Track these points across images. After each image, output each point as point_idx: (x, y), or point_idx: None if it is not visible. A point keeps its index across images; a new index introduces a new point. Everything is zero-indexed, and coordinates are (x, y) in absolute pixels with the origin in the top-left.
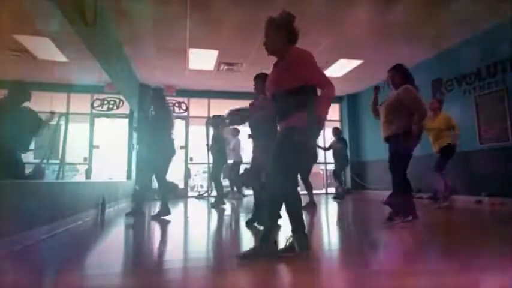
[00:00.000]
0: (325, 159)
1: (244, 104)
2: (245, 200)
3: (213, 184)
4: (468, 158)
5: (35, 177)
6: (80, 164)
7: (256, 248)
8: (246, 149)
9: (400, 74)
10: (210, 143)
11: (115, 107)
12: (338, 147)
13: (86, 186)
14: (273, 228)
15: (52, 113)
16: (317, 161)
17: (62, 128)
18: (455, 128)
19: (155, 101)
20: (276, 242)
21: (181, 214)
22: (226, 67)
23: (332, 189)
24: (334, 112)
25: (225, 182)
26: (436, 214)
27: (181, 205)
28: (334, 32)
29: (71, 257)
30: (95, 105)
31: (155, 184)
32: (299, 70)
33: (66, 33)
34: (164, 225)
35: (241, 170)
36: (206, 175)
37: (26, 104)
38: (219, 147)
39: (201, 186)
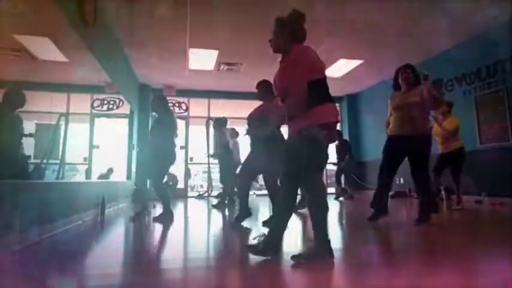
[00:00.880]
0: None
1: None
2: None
3: (211, 185)
4: (468, 158)
5: (35, 177)
6: (80, 164)
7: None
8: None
9: (415, 74)
10: (212, 146)
11: (115, 107)
12: (342, 147)
13: (86, 186)
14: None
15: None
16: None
17: (62, 128)
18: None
19: (157, 106)
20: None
21: (181, 214)
22: (226, 67)
23: (332, 189)
24: None
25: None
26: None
27: (181, 205)
28: (334, 32)
29: (71, 257)
30: (95, 105)
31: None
32: (301, 67)
33: (67, 33)
34: (164, 225)
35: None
36: (206, 175)
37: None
38: (225, 150)
39: (201, 186)
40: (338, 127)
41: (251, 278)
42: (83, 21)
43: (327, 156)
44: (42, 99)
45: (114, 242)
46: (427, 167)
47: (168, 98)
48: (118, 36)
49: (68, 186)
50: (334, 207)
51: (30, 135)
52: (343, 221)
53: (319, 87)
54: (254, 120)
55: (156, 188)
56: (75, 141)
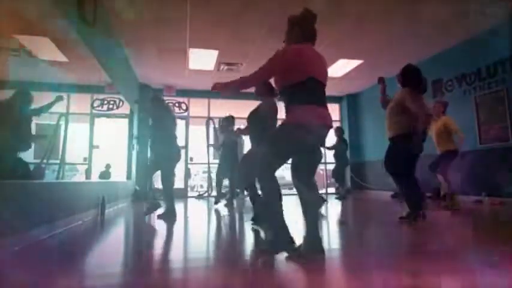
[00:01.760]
0: (325, 159)
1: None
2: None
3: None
4: (468, 158)
5: (35, 177)
6: (80, 164)
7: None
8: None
9: (400, 75)
10: (219, 146)
11: (115, 107)
12: (340, 147)
13: (86, 186)
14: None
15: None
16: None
17: (62, 128)
18: (459, 132)
19: (154, 108)
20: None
21: (181, 214)
22: (226, 67)
23: (332, 189)
24: (334, 112)
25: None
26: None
27: (181, 205)
28: (334, 32)
29: (71, 257)
30: (95, 105)
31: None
32: (284, 67)
33: (67, 33)
34: (166, 224)
35: None
36: (206, 175)
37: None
38: (231, 150)
39: (201, 186)
40: (340, 126)
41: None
42: (83, 21)
43: (319, 158)
44: (42, 99)
45: (114, 242)
46: (398, 168)
47: (168, 98)
48: (118, 36)
49: (68, 186)
50: (337, 206)
51: (44, 136)
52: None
53: (297, 87)
54: (253, 119)
55: (165, 184)
56: (75, 141)
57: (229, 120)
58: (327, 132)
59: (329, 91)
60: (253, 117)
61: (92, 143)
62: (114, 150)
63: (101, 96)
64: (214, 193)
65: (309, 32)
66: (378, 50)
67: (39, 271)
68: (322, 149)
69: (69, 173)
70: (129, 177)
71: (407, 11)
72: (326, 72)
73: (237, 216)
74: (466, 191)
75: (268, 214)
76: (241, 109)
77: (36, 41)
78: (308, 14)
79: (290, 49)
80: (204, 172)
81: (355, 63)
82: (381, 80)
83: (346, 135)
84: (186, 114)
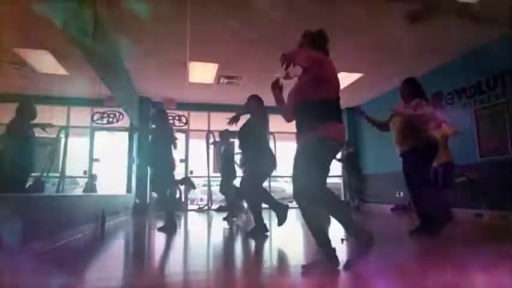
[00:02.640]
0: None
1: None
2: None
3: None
4: (468, 171)
5: (35, 190)
6: (80, 177)
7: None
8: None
9: (410, 87)
10: (220, 158)
11: (115, 120)
12: (355, 160)
13: (86, 200)
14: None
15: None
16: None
17: (62, 141)
18: (455, 128)
19: (156, 120)
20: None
21: (182, 227)
22: (226, 80)
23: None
24: None
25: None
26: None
27: (182, 218)
28: (334, 46)
29: (70, 270)
30: (94, 118)
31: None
32: (320, 81)
33: (66, 47)
34: (167, 238)
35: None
36: (206, 188)
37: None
38: (230, 162)
39: (201, 199)
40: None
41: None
42: (83, 35)
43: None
44: (42, 113)
45: (113, 255)
46: (419, 182)
47: (168, 111)
48: (118, 49)
49: (68, 199)
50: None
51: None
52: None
53: (332, 104)
54: (243, 133)
55: (161, 198)
56: (75, 154)
57: (226, 134)
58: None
59: None
60: (244, 132)
61: (92, 156)
62: (114, 163)
63: (101, 110)
64: (214, 206)
65: (325, 50)
66: (378, 64)
67: (39, 285)
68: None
69: (69, 186)
70: (129, 190)
71: (407, 24)
72: None
73: (239, 229)
74: (465, 205)
75: (347, 223)
76: (242, 122)
77: (36, 54)
78: (324, 33)
79: (329, 60)
80: (204, 185)
81: (355, 76)
82: (358, 112)
83: (344, 148)
84: (186, 127)
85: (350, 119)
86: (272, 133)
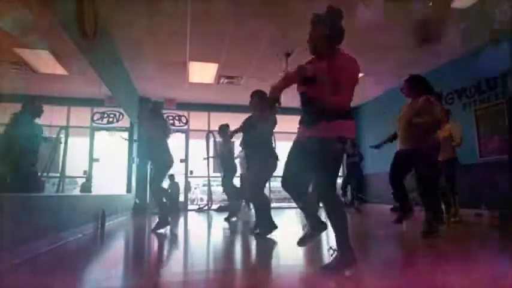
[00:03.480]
0: None
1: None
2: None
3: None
4: (468, 171)
5: (34, 190)
6: (79, 177)
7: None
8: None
9: (414, 85)
10: (219, 154)
11: (115, 120)
12: (358, 160)
13: (86, 200)
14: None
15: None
16: None
17: (62, 141)
18: (457, 137)
19: (152, 113)
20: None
21: (181, 227)
22: (226, 80)
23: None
24: None
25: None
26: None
27: (181, 219)
28: None
29: (70, 270)
30: (94, 118)
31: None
32: (345, 79)
33: (67, 47)
34: (165, 238)
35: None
36: (206, 188)
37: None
38: (228, 158)
39: (201, 199)
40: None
41: None
42: (83, 35)
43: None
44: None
45: (113, 255)
46: (426, 181)
47: (168, 111)
48: (118, 50)
49: (68, 199)
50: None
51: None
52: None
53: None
54: (247, 126)
55: (154, 192)
56: (75, 154)
57: (224, 127)
58: None
59: None
60: (247, 124)
61: (91, 156)
62: (114, 163)
63: (101, 110)
64: (214, 206)
65: (340, 33)
66: (378, 64)
67: (40, 285)
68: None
69: (69, 186)
70: (129, 190)
71: (408, 24)
72: None
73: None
74: (465, 205)
75: (338, 228)
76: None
77: (37, 54)
78: (337, 12)
79: (354, 60)
80: (204, 185)
81: None
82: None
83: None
84: (186, 127)
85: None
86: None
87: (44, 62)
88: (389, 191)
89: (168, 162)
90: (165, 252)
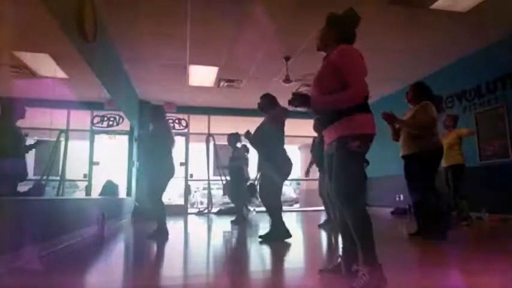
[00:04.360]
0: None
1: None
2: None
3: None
4: (468, 174)
5: (34, 194)
6: (80, 180)
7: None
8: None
9: (416, 92)
10: (228, 161)
11: (115, 124)
12: None
13: (86, 203)
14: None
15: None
16: None
17: (62, 144)
18: (468, 133)
19: (154, 118)
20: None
21: (181, 231)
22: (226, 83)
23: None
24: None
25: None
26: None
27: (181, 222)
28: None
29: (71, 274)
30: (95, 121)
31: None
32: (340, 67)
33: (66, 50)
34: (165, 243)
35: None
36: (206, 191)
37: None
38: (239, 166)
39: (201, 202)
40: None
41: None
42: (83, 38)
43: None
44: (42, 116)
45: (114, 258)
46: (425, 185)
47: (167, 114)
48: (118, 53)
49: (68, 202)
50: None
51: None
52: None
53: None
54: (259, 134)
55: (152, 203)
56: (75, 157)
57: (235, 136)
58: None
59: None
60: (259, 131)
61: (92, 159)
62: (114, 166)
63: (101, 113)
64: (213, 210)
65: (351, 36)
66: (379, 67)
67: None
68: None
69: (69, 190)
70: (129, 194)
71: (407, 28)
72: None
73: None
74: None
75: (364, 240)
76: (242, 125)
77: (36, 57)
78: (354, 16)
79: (354, 49)
80: (204, 189)
81: None
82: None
83: None
84: (186, 131)
85: None
86: None
87: (44, 64)
88: (389, 194)
89: (171, 175)
90: (166, 256)
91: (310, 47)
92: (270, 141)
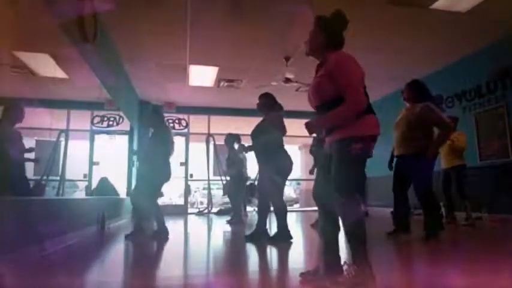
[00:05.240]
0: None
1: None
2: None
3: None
4: (468, 174)
5: (35, 193)
6: (80, 180)
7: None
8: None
9: (414, 90)
10: (226, 163)
11: (115, 124)
12: None
13: (86, 203)
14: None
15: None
16: None
17: (62, 144)
18: (460, 143)
19: (153, 119)
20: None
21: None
22: (226, 83)
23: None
24: None
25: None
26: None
27: (181, 222)
28: None
29: (71, 273)
30: (95, 121)
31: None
32: (336, 78)
33: (66, 50)
34: (165, 242)
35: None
36: (206, 191)
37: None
38: (237, 167)
39: (201, 203)
40: None
41: None
42: (83, 38)
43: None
44: (42, 116)
45: (114, 259)
46: (420, 186)
47: (167, 114)
48: (118, 53)
49: (68, 202)
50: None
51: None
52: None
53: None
54: (257, 133)
55: (150, 205)
56: (75, 157)
57: (234, 138)
58: None
59: None
60: (257, 133)
61: (91, 159)
62: (114, 166)
63: (101, 113)
64: (213, 210)
65: (340, 39)
66: (378, 66)
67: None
68: None
69: (69, 190)
70: (128, 193)
71: (407, 28)
72: None
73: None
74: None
75: (355, 239)
76: (242, 125)
77: (36, 57)
78: (342, 18)
79: (348, 55)
80: (204, 188)
81: None
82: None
83: None
84: (186, 131)
85: None
86: None
87: (44, 65)
88: (388, 194)
89: (167, 178)
90: (165, 256)
91: None
92: (269, 142)
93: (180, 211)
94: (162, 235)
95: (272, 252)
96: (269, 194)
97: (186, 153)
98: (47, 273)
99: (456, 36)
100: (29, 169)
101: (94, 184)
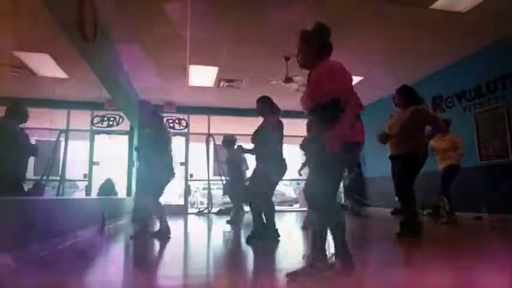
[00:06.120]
0: None
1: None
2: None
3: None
4: (468, 174)
5: (35, 194)
6: (80, 180)
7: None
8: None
9: (405, 95)
10: (225, 164)
11: (115, 124)
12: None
13: (86, 203)
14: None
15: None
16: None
17: (62, 144)
18: (460, 148)
19: (149, 121)
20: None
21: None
22: (226, 83)
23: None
24: None
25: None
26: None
27: (181, 222)
28: (334, 49)
29: (70, 273)
30: (95, 121)
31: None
32: (327, 84)
33: (66, 50)
34: (167, 241)
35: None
36: (206, 191)
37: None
38: (236, 168)
39: (201, 202)
40: None
41: None
42: (83, 38)
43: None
44: (42, 116)
45: (114, 259)
46: (404, 185)
47: (168, 114)
48: (118, 53)
49: (68, 202)
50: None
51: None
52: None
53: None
54: (258, 137)
55: (153, 204)
56: (75, 157)
57: (230, 140)
58: None
59: None
60: (257, 135)
61: (92, 159)
62: (114, 167)
63: (101, 113)
64: (214, 210)
65: (329, 47)
66: (378, 67)
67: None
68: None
69: (69, 190)
70: (129, 194)
71: (407, 28)
72: None
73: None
74: (465, 208)
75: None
76: (241, 126)
77: (36, 57)
78: (325, 28)
79: (336, 63)
80: (204, 189)
81: (355, 79)
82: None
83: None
84: (186, 131)
85: None
86: None
87: (44, 65)
88: (388, 194)
89: (169, 177)
90: (166, 256)
91: None
92: (269, 148)
93: (180, 211)
94: (164, 234)
95: (272, 252)
96: (260, 194)
97: (186, 153)
98: (47, 273)
99: (456, 36)
100: (29, 169)
101: (94, 184)
